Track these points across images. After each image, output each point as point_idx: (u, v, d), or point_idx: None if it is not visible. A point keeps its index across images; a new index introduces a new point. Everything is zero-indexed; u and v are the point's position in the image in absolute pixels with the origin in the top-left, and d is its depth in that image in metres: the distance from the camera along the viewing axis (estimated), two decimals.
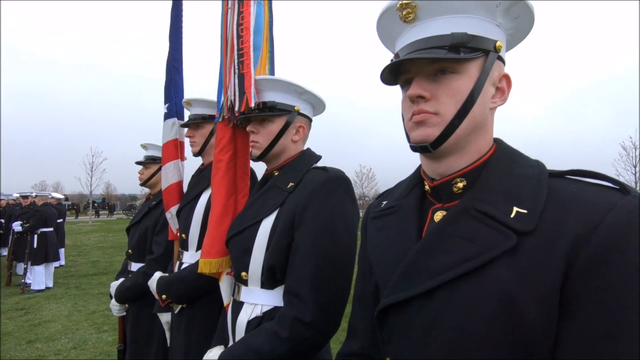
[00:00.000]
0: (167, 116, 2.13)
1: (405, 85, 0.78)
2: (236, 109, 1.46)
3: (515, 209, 0.64)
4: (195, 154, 2.02)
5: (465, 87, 0.70)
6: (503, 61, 0.76)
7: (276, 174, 1.42)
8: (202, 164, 2.10)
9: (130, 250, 2.49)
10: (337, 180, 1.27)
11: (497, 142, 0.78)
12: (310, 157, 1.42)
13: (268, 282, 1.28)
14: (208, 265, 1.54)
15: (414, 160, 0.87)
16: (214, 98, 1.96)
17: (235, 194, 1.62)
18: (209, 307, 1.82)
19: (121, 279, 2.46)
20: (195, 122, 1.99)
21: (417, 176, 0.89)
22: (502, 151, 0.75)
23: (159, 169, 2.57)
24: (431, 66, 0.72)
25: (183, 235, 1.93)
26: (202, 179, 1.98)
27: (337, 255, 1.19)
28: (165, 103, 2.15)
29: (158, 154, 2.59)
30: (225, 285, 1.60)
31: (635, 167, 20.91)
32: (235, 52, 1.50)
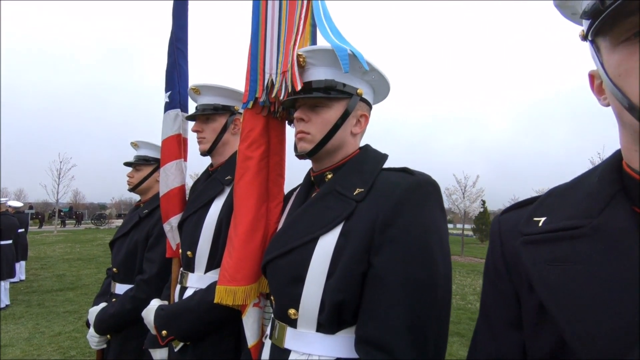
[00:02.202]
0: (168, 106, 1.76)
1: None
2: (280, 89, 1.13)
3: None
4: (204, 153, 1.66)
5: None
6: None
7: (330, 176, 1.10)
8: (211, 165, 1.74)
9: (114, 269, 2.06)
10: (428, 187, 0.95)
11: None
12: (376, 155, 1.10)
13: (329, 324, 0.93)
14: (231, 295, 1.18)
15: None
16: (227, 85, 1.64)
17: (267, 201, 1.27)
18: (223, 346, 1.44)
19: (102, 304, 2.02)
20: (206, 114, 1.64)
21: (617, 180, 0.59)
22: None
23: (153, 171, 2.18)
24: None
25: (188, 253, 1.54)
26: (212, 183, 1.62)
27: (437, 291, 0.86)
28: (166, 91, 1.78)
29: (152, 154, 2.20)
30: (251, 321, 1.24)
31: None
32: (276, 22, 1.18)
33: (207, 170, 1.77)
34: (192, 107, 1.81)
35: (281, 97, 1.12)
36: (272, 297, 1.09)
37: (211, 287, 1.41)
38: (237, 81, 1.73)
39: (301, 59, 1.08)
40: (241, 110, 1.70)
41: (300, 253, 0.99)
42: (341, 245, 0.93)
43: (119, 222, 35.93)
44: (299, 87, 1.06)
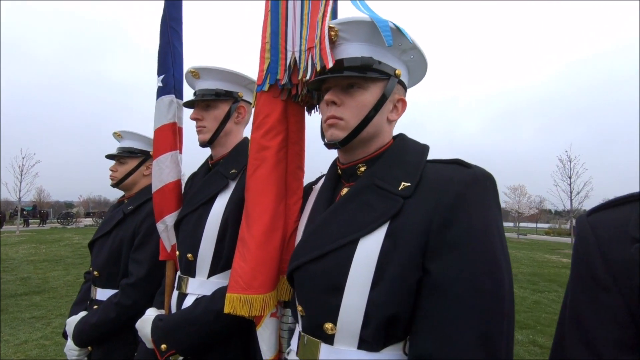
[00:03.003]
0: (162, 91, 1.58)
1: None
2: (307, 69, 0.98)
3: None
4: (204, 144, 1.49)
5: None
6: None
7: (363, 168, 0.97)
8: (211, 158, 1.57)
9: (95, 272, 1.85)
10: (486, 181, 0.84)
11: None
12: (416, 145, 0.98)
13: (374, 340, 0.81)
14: (246, 305, 1.03)
15: None
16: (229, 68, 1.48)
17: (286, 197, 1.13)
18: (229, 359, 1.29)
19: (82, 313, 1.81)
20: (206, 100, 1.47)
21: None
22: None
23: (139, 164, 1.98)
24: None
25: (188, 256, 1.38)
26: (214, 177, 1.45)
27: (504, 303, 0.75)
28: (159, 74, 1.59)
29: (138, 145, 2.00)
30: (268, 333, 1.10)
31: (570, 177, 24.39)
32: None
33: (206, 163, 1.60)
34: (187, 93, 1.64)
35: (308, 78, 0.98)
36: (299, 307, 0.95)
37: (217, 295, 1.26)
38: (238, 65, 1.56)
39: (332, 33, 0.94)
40: (245, 97, 1.55)
41: (337, 257, 0.85)
42: (388, 249, 0.81)
43: (87, 221, 34.36)
44: (330, 63, 0.92)
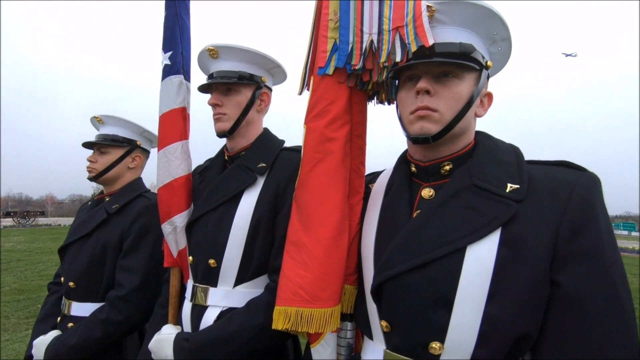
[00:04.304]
0: (169, 70, 1.35)
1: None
2: (393, 51, 0.86)
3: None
4: (223, 133, 1.30)
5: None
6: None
7: (448, 167, 0.89)
8: (226, 149, 1.38)
9: (71, 283, 1.56)
10: (599, 185, 0.79)
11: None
12: (504, 143, 0.92)
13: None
14: (308, 321, 0.89)
15: None
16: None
17: (349, 197, 1.00)
18: None
19: (52, 332, 1.51)
20: (228, 83, 1.28)
21: None
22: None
23: (124, 155, 1.70)
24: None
25: (210, 262, 1.18)
26: (237, 171, 1.27)
27: (634, 315, 0.70)
28: (165, 50, 1.37)
29: (123, 132, 1.72)
30: (329, 351, 0.96)
31: None
32: None
33: (221, 156, 1.40)
34: (195, 76, 1.43)
35: (396, 61, 0.86)
36: (383, 323, 0.82)
37: (253, 307, 1.09)
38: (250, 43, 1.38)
39: (428, 14, 0.84)
40: (269, 84, 1.38)
41: (443, 267, 0.76)
42: (506, 258, 0.73)
43: (7, 222, 30.52)
44: (430, 41, 0.82)
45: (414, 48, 0.83)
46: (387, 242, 0.86)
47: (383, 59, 0.88)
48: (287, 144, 1.37)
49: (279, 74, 1.42)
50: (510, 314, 0.71)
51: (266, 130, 1.39)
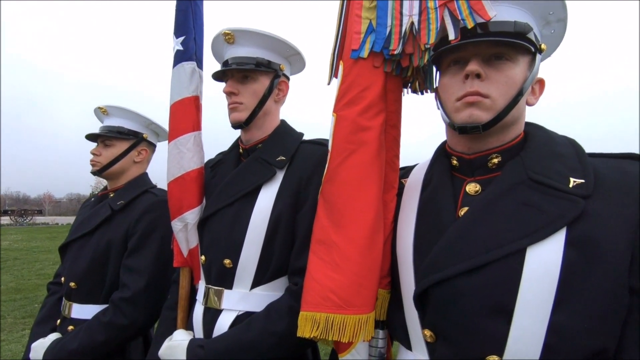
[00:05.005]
0: (182, 57, 1.26)
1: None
2: (437, 28, 0.78)
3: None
4: (239, 124, 1.21)
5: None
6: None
7: (496, 160, 0.81)
8: (241, 141, 1.29)
9: (72, 283, 1.46)
10: None
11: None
12: (560, 135, 0.84)
13: None
14: (340, 328, 0.79)
15: None
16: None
17: (383, 192, 0.91)
18: None
19: (51, 336, 1.42)
20: (245, 70, 1.19)
21: None
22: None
23: (130, 148, 1.61)
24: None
25: (226, 262, 1.09)
26: (254, 165, 1.18)
27: None
28: (177, 35, 1.28)
29: (129, 125, 1.63)
30: None
31: None
32: None
33: (235, 148, 1.31)
34: (208, 64, 1.34)
35: (452, 37, 0.77)
36: (426, 332, 0.74)
37: (274, 312, 1.00)
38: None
39: None
40: (287, 72, 1.29)
41: (500, 271, 0.67)
42: (575, 261, 0.64)
43: (4, 220, 30.31)
44: (492, 14, 0.74)
45: (470, 24, 0.75)
46: (430, 243, 0.77)
47: (432, 39, 0.79)
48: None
49: (297, 63, 1.33)
50: (582, 325, 0.62)
51: (283, 122, 1.30)
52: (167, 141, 1.81)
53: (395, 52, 0.83)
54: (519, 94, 0.76)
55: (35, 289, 6.82)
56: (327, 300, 0.81)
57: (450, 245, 0.73)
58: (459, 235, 0.73)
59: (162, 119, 1.79)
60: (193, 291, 1.28)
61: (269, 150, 1.19)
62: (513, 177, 0.74)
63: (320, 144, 1.19)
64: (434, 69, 0.92)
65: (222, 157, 1.33)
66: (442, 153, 0.91)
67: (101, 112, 1.64)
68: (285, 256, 1.09)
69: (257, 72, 1.20)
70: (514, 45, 0.74)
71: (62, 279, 1.54)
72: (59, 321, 1.51)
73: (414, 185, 0.93)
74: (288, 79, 1.31)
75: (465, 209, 0.78)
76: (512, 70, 0.76)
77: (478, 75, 0.75)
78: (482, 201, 0.75)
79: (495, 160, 0.80)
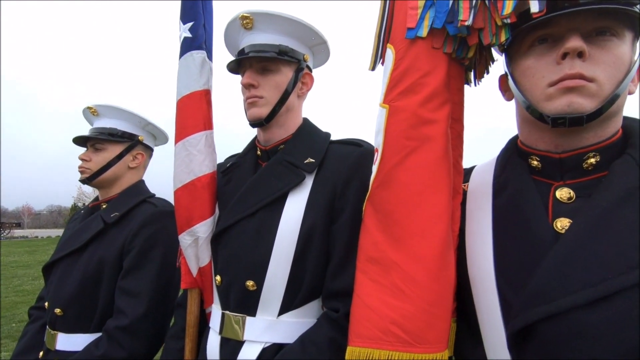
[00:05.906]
0: (190, 45, 1.10)
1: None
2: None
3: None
4: (259, 122, 1.04)
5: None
6: None
7: (593, 159, 0.68)
8: (258, 142, 1.12)
9: (57, 309, 1.25)
10: None
11: None
12: None
13: None
14: None
15: None
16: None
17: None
18: None
19: None
20: (266, 60, 1.03)
21: None
22: None
23: (124, 152, 1.43)
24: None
25: (248, 284, 0.92)
26: (278, 169, 1.02)
27: None
28: (184, 21, 1.11)
29: (123, 126, 1.45)
30: None
31: None
32: None
33: (252, 149, 1.14)
34: (217, 54, 1.17)
35: (536, 10, 0.63)
36: None
37: (310, 346, 0.84)
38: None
39: None
40: (310, 64, 1.14)
41: (631, 302, 0.52)
42: None
43: None
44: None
45: None
46: (521, 263, 0.63)
47: (508, 9, 0.65)
48: None
49: (322, 54, 1.18)
50: None
51: (307, 120, 1.14)
52: (164, 144, 1.65)
53: (466, 24, 0.68)
54: (627, 78, 0.63)
55: (12, 307, 6.39)
56: (388, 335, 0.65)
57: (561, 269, 0.58)
58: (570, 255, 0.58)
59: (162, 120, 1.61)
60: (202, 317, 1.10)
61: (293, 152, 1.02)
62: (627, 181, 0.61)
63: (354, 144, 1.04)
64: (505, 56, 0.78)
65: (236, 161, 1.16)
66: (515, 152, 0.76)
67: (90, 112, 1.44)
68: (319, 276, 0.92)
69: (279, 62, 1.04)
70: (622, 12, 0.61)
71: (46, 304, 1.33)
72: (41, 353, 1.30)
73: (481, 190, 0.78)
74: (311, 71, 1.16)
75: (564, 220, 0.63)
76: (620, 49, 0.63)
77: (580, 55, 0.61)
78: (594, 211, 0.60)
79: (592, 161, 0.67)
